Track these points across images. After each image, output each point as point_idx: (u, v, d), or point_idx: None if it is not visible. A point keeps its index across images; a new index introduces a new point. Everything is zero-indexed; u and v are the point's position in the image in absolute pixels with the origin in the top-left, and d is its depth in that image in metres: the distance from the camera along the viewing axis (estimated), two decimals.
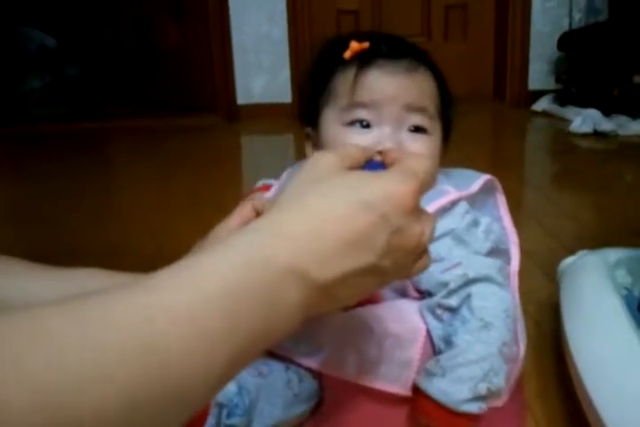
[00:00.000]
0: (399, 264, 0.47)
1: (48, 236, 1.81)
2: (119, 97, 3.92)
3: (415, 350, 0.71)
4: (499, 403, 0.73)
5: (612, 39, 3.10)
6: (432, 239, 0.51)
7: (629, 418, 0.72)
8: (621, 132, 2.92)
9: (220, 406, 0.67)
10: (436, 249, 0.70)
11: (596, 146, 2.87)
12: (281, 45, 3.49)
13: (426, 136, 0.73)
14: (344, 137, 0.73)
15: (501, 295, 0.70)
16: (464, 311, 0.69)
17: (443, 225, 0.72)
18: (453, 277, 0.70)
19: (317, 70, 0.78)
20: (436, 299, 0.70)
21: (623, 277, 1.06)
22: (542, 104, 3.53)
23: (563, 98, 3.42)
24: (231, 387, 0.69)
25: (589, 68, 3.20)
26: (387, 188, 0.46)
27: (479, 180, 0.78)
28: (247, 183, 2.25)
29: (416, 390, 0.69)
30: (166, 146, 3.02)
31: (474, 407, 0.66)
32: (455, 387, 0.66)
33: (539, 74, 3.67)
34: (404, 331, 0.71)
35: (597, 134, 2.92)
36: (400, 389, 0.70)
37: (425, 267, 0.53)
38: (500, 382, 0.67)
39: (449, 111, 0.78)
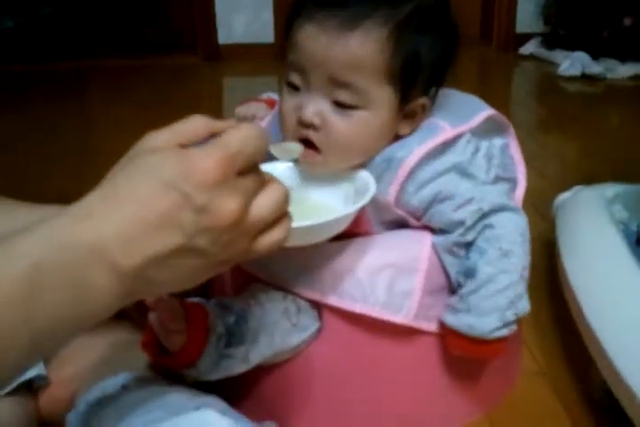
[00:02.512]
0: (222, 243, 0.44)
1: (24, 179, 1.76)
2: (96, 37, 3.80)
3: (417, 280, 0.69)
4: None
5: None
6: (279, 209, 0.47)
7: (632, 349, 0.71)
8: (609, 75, 2.89)
9: (218, 335, 0.65)
10: (443, 186, 0.68)
11: (583, 89, 2.84)
12: None
13: (356, 111, 0.64)
14: (282, 95, 0.68)
15: (516, 220, 0.68)
16: (480, 242, 0.67)
17: (446, 160, 0.69)
18: (468, 213, 0.67)
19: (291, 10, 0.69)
20: (452, 238, 0.68)
21: (620, 211, 1.04)
22: (530, 47, 3.47)
23: (551, 41, 3.37)
24: (229, 316, 0.67)
25: (579, 9, 3.14)
26: (185, 164, 0.42)
27: (480, 114, 0.73)
28: None
29: (442, 326, 0.69)
30: (146, 86, 2.94)
31: (504, 332, 0.66)
32: (483, 319, 0.65)
33: (527, 16, 3.60)
34: (404, 260, 0.70)
35: (585, 77, 2.89)
36: (402, 318, 0.68)
37: (276, 242, 0.48)
38: (524, 305, 0.68)
39: (421, 69, 0.66)
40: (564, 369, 0.88)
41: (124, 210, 0.42)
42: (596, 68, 2.90)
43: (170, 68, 3.30)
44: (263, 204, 0.46)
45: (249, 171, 0.45)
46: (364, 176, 0.68)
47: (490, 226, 0.67)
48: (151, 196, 0.42)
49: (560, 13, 3.30)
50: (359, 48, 0.62)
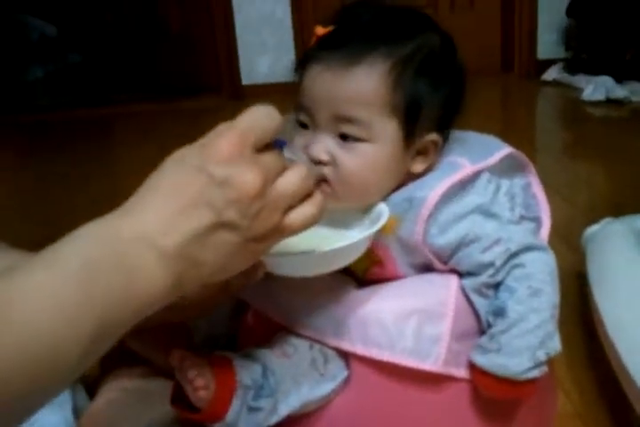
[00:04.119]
0: (251, 215, 0.47)
1: (53, 222, 1.79)
2: (123, 83, 3.89)
3: (445, 325, 0.68)
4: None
5: (622, 3, 3.03)
6: (304, 184, 0.51)
7: None
8: (635, 98, 2.87)
9: (246, 387, 0.65)
10: (469, 229, 0.68)
11: (609, 113, 2.82)
12: (285, 24, 3.44)
13: (361, 144, 0.66)
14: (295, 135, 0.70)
15: (545, 259, 0.68)
16: (509, 281, 0.66)
17: (468, 202, 0.68)
18: (497, 254, 0.67)
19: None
20: (482, 279, 0.68)
21: None
22: (552, 73, 3.47)
23: (573, 66, 3.36)
24: (256, 368, 0.66)
25: (600, 33, 3.13)
26: (204, 148, 0.48)
27: (500, 152, 0.73)
28: None
29: (472, 366, 0.68)
30: (172, 129, 2.99)
31: (535, 373, 0.65)
32: (514, 360, 0.65)
33: (548, 42, 3.61)
34: (431, 305, 0.69)
35: (610, 102, 2.87)
36: (431, 366, 0.67)
37: (308, 217, 0.52)
38: (555, 344, 0.66)
39: (421, 108, 0.66)
40: (601, 410, 0.86)
41: (159, 199, 0.47)
42: (620, 91, 2.88)
43: (195, 111, 3.35)
44: (287, 179, 0.50)
45: (266, 150, 0.50)
46: (379, 207, 0.69)
47: (519, 265, 0.67)
48: (182, 181, 0.47)
49: (581, 38, 3.30)
50: (361, 82, 0.64)
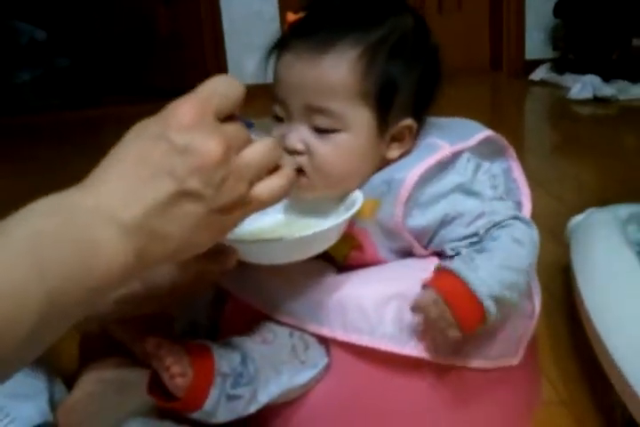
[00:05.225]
0: (215, 184, 0.45)
1: None
2: (111, 86, 3.87)
3: None
4: (514, 362, 0.71)
5: (608, 2, 3.04)
6: (271, 154, 0.50)
7: None
8: (622, 96, 2.87)
9: (224, 375, 0.63)
10: (450, 207, 0.67)
11: (596, 112, 2.83)
12: (273, 24, 3.44)
13: (335, 135, 0.65)
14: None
15: (529, 231, 0.67)
16: (493, 231, 0.66)
17: (448, 181, 0.68)
18: (480, 226, 0.66)
19: None
20: (462, 243, 0.67)
21: (635, 232, 1.03)
22: (540, 73, 3.47)
23: (561, 66, 3.37)
24: (235, 356, 0.65)
25: (587, 33, 3.14)
26: (163, 116, 0.46)
27: (479, 134, 0.73)
28: None
29: (436, 270, 0.65)
30: None
31: (491, 305, 0.61)
32: (480, 277, 0.62)
33: (535, 43, 3.62)
34: (411, 289, 0.68)
35: (597, 100, 2.88)
36: (411, 351, 0.67)
37: (276, 189, 0.50)
38: (516, 298, 0.64)
39: (396, 91, 0.66)
40: (586, 398, 0.86)
41: (119, 170, 0.45)
42: (607, 90, 2.88)
43: None
44: (253, 149, 0.48)
45: (230, 121, 0.48)
46: (353, 194, 0.68)
47: (503, 226, 0.66)
48: (142, 151, 0.45)
49: (568, 38, 3.31)
50: (330, 71, 0.64)
